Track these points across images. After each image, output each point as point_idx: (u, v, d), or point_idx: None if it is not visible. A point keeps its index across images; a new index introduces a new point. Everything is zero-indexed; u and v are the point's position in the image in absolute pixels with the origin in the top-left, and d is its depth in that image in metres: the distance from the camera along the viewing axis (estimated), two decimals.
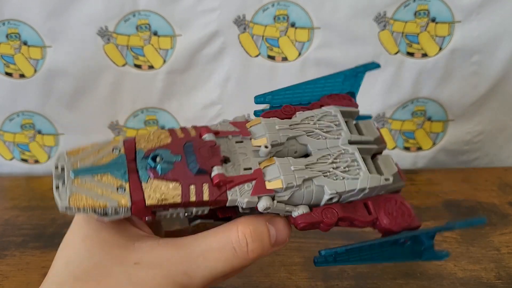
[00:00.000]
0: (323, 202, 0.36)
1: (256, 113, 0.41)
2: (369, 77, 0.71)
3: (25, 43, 0.71)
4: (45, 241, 0.58)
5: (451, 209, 0.62)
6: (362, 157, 0.38)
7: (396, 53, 0.70)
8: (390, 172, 0.38)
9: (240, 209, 0.35)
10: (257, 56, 0.71)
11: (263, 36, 0.70)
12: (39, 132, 0.77)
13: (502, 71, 0.70)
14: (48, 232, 0.60)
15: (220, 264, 0.32)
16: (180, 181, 0.33)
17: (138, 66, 0.72)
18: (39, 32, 0.70)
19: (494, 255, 0.54)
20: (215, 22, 0.69)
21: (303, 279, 0.50)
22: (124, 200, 0.32)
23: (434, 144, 0.76)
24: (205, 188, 0.33)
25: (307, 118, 0.40)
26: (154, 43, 0.71)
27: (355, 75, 0.47)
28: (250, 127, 0.39)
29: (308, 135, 0.38)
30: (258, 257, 0.34)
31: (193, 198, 0.33)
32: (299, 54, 0.71)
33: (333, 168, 0.37)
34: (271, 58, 0.71)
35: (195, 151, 0.35)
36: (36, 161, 0.79)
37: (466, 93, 0.72)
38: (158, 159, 0.34)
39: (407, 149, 0.77)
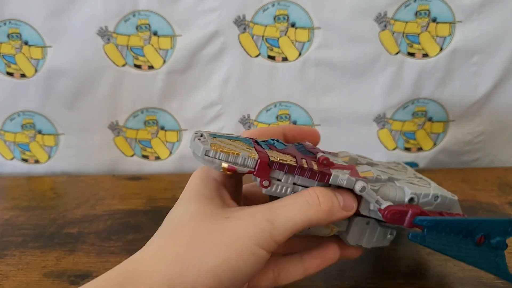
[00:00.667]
0: (404, 203, 0.42)
1: None
2: (369, 78, 0.71)
3: (26, 43, 0.71)
4: (45, 241, 0.58)
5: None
6: None
7: (397, 53, 0.70)
8: (455, 195, 0.45)
9: None
10: (257, 56, 0.71)
11: (263, 36, 0.70)
12: (40, 132, 0.77)
13: (503, 71, 0.70)
14: (48, 232, 0.60)
15: (297, 214, 0.37)
16: (294, 154, 0.40)
17: (138, 66, 0.72)
18: (39, 32, 0.70)
19: None
20: (215, 22, 0.69)
21: (303, 279, 0.50)
22: (254, 153, 0.38)
23: (434, 144, 0.76)
24: (313, 163, 0.39)
25: (379, 162, 0.49)
26: (154, 43, 0.71)
27: None
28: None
29: (382, 166, 0.47)
30: (331, 215, 0.39)
31: (305, 165, 0.38)
32: (299, 54, 0.71)
33: (409, 179, 0.45)
34: (271, 58, 0.71)
35: (303, 144, 0.43)
36: (37, 161, 0.79)
37: (467, 94, 0.72)
38: (274, 140, 0.42)
39: (407, 149, 0.77)
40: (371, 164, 0.46)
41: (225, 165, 0.37)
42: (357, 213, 0.41)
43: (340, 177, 0.39)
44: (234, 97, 0.74)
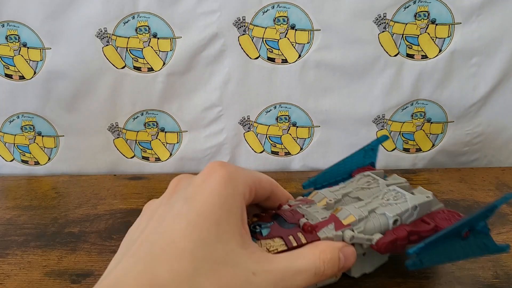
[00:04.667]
0: (390, 227, 0.46)
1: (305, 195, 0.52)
2: (369, 79, 0.72)
3: (24, 45, 0.71)
4: (46, 240, 0.58)
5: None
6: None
7: (396, 55, 0.70)
8: (429, 194, 0.49)
9: None
10: (257, 58, 0.72)
11: (263, 38, 0.71)
12: (39, 133, 0.77)
13: (501, 72, 0.70)
14: (49, 232, 0.60)
15: (303, 283, 0.40)
16: (280, 235, 0.43)
17: (137, 68, 0.72)
18: (38, 34, 0.70)
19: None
20: (215, 24, 0.70)
21: None
22: None
23: (433, 145, 0.76)
24: (300, 235, 0.43)
25: (350, 182, 0.53)
26: (153, 45, 0.71)
27: (372, 148, 0.58)
28: (312, 198, 0.49)
29: (356, 190, 0.50)
30: (335, 275, 0.44)
31: (294, 243, 0.42)
32: (299, 56, 0.71)
33: (386, 200, 0.48)
34: (271, 60, 0.72)
35: (281, 215, 0.45)
36: (37, 163, 0.79)
37: (466, 95, 0.72)
38: (257, 227, 0.43)
39: (406, 150, 0.77)
40: (345, 194, 0.50)
41: None
42: None
43: (328, 237, 0.43)
44: (234, 98, 0.74)
